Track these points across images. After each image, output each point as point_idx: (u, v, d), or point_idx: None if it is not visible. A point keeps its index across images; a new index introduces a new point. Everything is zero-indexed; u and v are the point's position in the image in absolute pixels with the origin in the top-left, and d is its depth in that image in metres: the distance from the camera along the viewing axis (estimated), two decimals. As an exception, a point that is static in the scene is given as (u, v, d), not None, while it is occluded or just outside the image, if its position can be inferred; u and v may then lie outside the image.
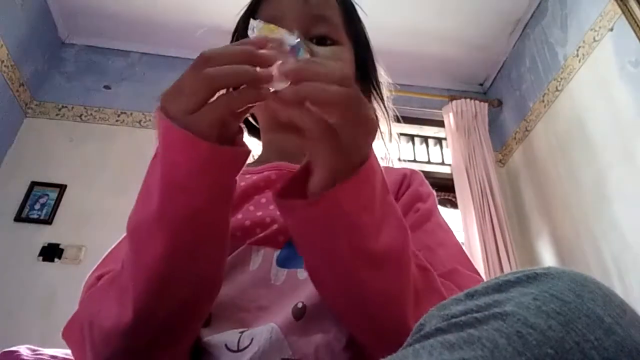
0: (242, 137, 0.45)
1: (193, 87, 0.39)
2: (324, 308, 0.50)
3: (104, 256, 0.59)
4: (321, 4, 0.71)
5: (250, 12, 0.75)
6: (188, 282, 0.45)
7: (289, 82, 0.40)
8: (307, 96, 0.39)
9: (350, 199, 0.42)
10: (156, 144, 0.43)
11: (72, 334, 0.52)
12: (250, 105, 0.41)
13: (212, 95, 0.39)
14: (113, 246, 0.60)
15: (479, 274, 0.57)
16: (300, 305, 0.49)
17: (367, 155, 0.43)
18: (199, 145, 0.39)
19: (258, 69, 0.39)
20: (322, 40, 0.69)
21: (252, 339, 0.46)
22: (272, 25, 0.44)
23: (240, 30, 0.78)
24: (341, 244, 0.43)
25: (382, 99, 0.79)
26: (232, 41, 0.77)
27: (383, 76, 0.81)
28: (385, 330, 0.44)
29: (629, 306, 0.31)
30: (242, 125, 0.44)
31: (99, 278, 0.53)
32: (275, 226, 0.57)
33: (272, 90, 0.40)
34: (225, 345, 0.47)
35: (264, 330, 0.47)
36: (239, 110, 0.41)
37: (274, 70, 0.40)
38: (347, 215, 0.42)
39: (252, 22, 0.45)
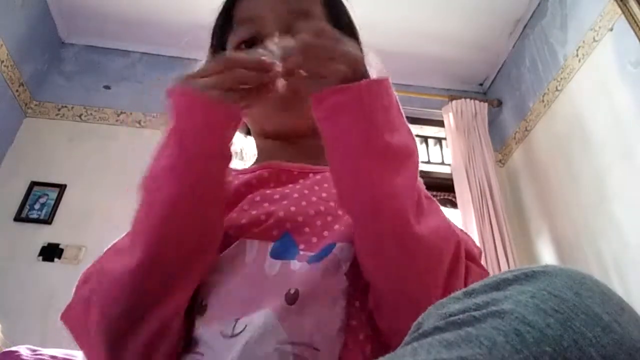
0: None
1: (216, 69, 0.52)
2: (317, 293, 0.51)
3: (102, 254, 0.60)
4: None
5: (226, 12, 0.73)
6: (193, 224, 0.51)
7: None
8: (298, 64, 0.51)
9: (370, 95, 0.50)
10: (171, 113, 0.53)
11: (72, 314, 0.55)
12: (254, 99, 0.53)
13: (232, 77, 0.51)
14: (109, 247, 0.61)
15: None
16: (292, 291, 0.50)
17: (366, 71, 0.53)
18: (198, 102, 0.50)
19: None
20: None
21: (245, 325, 0.47)
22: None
23: (217, 30, 0.76)
24: (358, 133, 0.50)
25: None
26: (212, 40, 0.77)
27: (372, 60, 0.80)
28: (389, 225, 0.49)
29: (627, 304, 0.31)
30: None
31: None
32: (270, 221, 0.57)
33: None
34: (220, 332, 0.48)
35: (258, 316, 0.48)
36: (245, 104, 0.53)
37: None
38: (365, 108, 0.50)
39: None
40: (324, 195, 0.61)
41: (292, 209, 0.59)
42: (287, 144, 0.69)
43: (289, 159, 0.67)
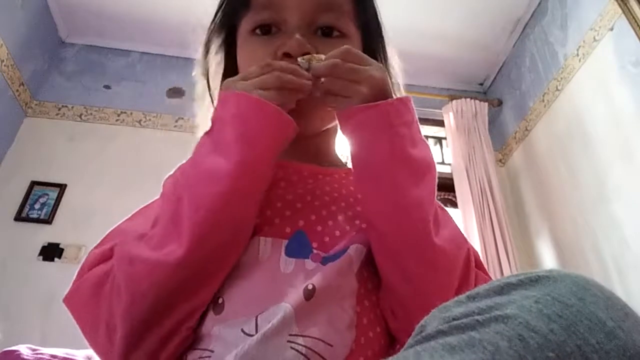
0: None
1: (257, 72, 0.56)
2: (331, 291, 0.52)
3: (106, 235, 0.61)
4: None
5: None
6: (238, 221, 0.53)
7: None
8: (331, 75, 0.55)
9: (394, 113, 0.54)
10: (217, 114, 0.56)
11: (77, 298, 0.55)
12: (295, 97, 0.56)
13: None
14: (114, 228, 0.62)
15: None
16: (310, 286, 0.51)
17: (388, 91, 0.56)
18: (267, 106, 0.53)
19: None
20: (327, 30, 0.66)
21: (270, 322, 0.48)
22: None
23: (229, 7, 0.72)
24: (385, 146, 0.53)
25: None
26: (218, 16, 0.74)
27: (396, 61, 0.78)
28: (414, 231, 0.52)
29: (632, 310, 0.31)
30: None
31: (112, 249, 0.55)
32: (284, 219, 0.58)
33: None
34: (242, 330, 0.49)
35: (277, 309, 0.49)
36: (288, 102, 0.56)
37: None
38: (390, 123, 0.53)
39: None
40: (335, 195, 0.63)
41: (305, 208, 0.60)
42: (294, 143, 0.70)
43: (296, 157, 0.67)
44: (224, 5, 0.74)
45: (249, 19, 0.67)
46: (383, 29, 0.76)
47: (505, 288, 0.32)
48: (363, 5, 0.71)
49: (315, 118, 0.66)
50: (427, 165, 0.56)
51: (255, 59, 0.63)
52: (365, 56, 0.58)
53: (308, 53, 0.61)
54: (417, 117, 0.58)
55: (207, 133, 0.57)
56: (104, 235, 0.62)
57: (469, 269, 0.56)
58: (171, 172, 0.67)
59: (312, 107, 0.62)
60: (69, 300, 0.56)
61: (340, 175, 0.67)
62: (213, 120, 0.57)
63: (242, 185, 0.52)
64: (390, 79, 0.74)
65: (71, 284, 0.56)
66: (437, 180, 0.57)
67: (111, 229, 0.62)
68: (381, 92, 0.55)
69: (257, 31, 0.66)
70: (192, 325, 0.51)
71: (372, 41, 0.74)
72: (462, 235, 0.60)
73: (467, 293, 0.34)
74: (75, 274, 0.57)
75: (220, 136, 0.54)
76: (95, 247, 0.59)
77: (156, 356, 0.50)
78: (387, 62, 0.76)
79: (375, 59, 0.71)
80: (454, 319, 0.31)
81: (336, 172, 0.67)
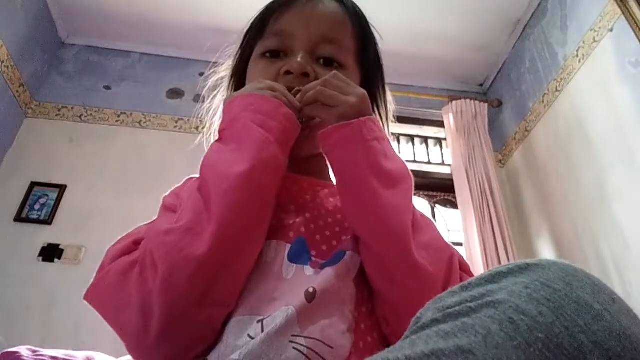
0: None
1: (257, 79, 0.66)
2: (331, 295, 0.54)
3: (121, 238, 0.62)
4: (333, 26, 0.73)
5: (262, 19, 0.76)
6: (257, 201, 0.56)
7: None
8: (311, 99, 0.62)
9: (366, 129, 0.59)
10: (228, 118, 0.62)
11: (100, 290, 0.56)
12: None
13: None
14: (125, 234, 0.63)
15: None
16: (311, 289, 0.53)
17: (367, 110, 0.61)
18: (266, 96, 0.61)
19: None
20: (328, 61, 0.72)
21: (275, 323, 0.49)
22: None
23: (250, 34, 0.79)
24: (360, 159, 0.57)
25: (387, 124, 0.81)
26: (242, 45, 0.81)
27: (391, 103, 0.83)
28: (392, 235, 0.55)
29: (618, 296, 0.32)
30: None
31: (136, 242, 0.57)
32: (287, 226, 0.62)
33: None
34: (248, 335, 0.50)
35: (280, 312, 0.51)
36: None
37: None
38: (364, 139, 0.58)
39: None
40: (330, 209, 0.66)
41: (307, 215, 0.64)
42: (292, 162, 0.72)
43: (296, 172, 0.70)
44: (247, 34, 0.81)
45: (261, 45, 0.75)
46: (382, 65, 0.81)
47: (496, 276, 0.33)
48: (365, 44, 0.77)
49: (308, 142, 0.69)
50: (402, 175, 0.60)
51: (260, 77, 0.69)
52: (351, 82, 0.64)
53: (307, 74, 0.68)
54: (387, 135, 0.64)
55: (217, 140, 0.61)
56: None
57: (451, 272, 0.58)
58: (167, 193, 0.70)
59: (306, 132, 0.67)
60: (90, 294, 0.56)
61: (336, 190, 0.69)
62: (221, 128, 0.62)
63: (261, 161, 0.56)
64: (387, 116, 0.81)
65: (92, 280, 0.57)
66: (413, 190, 0.62)
67: (125, 233, 0.63)
68: (367, 107, 0.62)
69: (267, 55, 0.73)
70: (223, 320, 0.52)
71: (372, 78, 0.79)
72: (444, 240, 0.63)
73: (460, 284, 0.35)
74: (96, 271, 0.58)
75: (234, 129, 0.60)
76: (113, 246, 0.60)
77: (194, 346, 0.51)
78: (386, 100, 0.81)
79: (374, 94, 0.79)
80: (447, 308, 0.32)
81: (332, 186, 0.70)
